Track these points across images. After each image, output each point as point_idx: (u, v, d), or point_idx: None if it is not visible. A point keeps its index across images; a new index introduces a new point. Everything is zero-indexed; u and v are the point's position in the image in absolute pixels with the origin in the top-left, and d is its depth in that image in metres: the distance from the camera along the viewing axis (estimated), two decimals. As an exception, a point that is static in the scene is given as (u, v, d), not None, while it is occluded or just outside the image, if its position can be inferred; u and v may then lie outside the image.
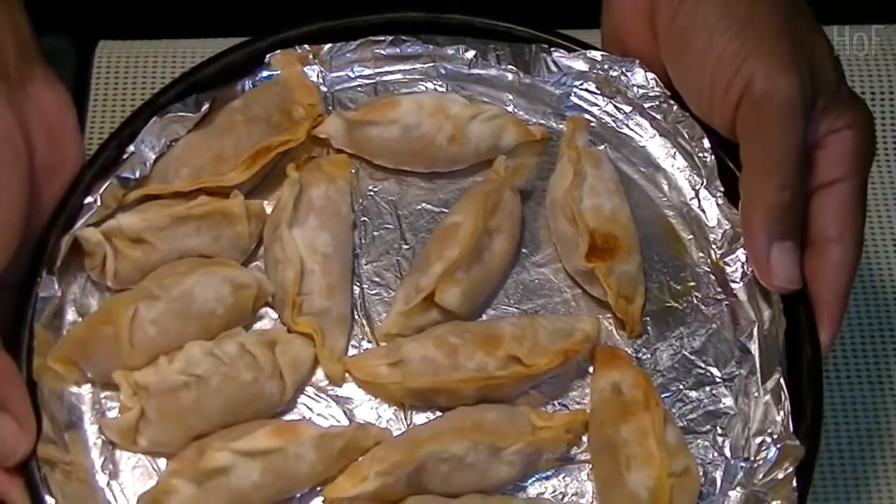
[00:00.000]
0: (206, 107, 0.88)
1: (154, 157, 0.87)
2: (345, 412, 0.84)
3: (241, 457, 0.78)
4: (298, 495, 0.81)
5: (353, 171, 0.90)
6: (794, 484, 0.80)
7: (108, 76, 1.07)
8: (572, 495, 0.82)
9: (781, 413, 0.83)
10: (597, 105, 0.93)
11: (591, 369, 0.86)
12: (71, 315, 0.85)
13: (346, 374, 0.85)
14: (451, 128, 0.88)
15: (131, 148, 0.87)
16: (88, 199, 0.85)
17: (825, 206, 0.84)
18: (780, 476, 0.81)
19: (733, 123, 0.85)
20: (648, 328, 0.87)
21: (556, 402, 0.85)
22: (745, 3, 0.84)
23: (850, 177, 0.85)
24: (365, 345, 0.86)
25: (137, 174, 0.86)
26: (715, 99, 0.86)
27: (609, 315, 0.87)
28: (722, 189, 0.89)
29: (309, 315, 0.84)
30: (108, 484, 0.81)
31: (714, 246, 0.89)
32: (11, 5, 0.86)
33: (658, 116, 0.91)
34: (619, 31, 0.93)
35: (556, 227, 0.89)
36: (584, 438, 0.84)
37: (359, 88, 0.92)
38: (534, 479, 0.83)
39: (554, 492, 0.83)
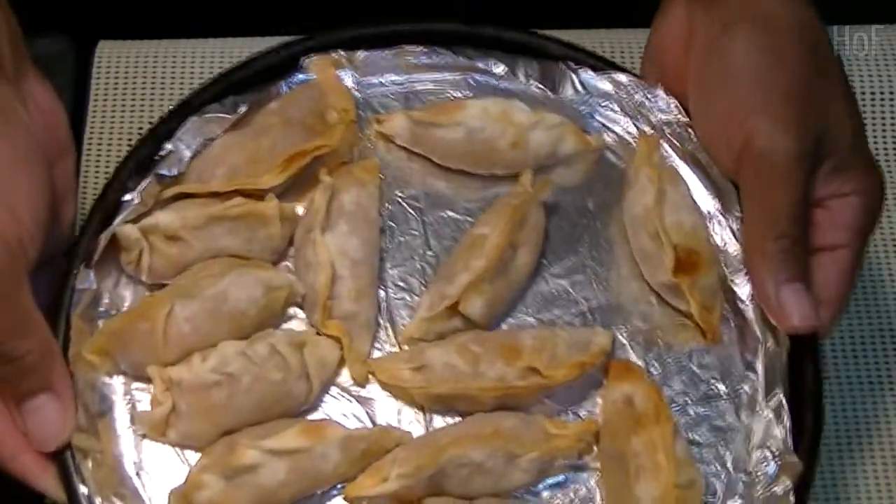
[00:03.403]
0: (243, 108, 0.90)
1: (190, 155, 0.90)
2: (367, 413, 0.87)
3: (269, 455, 0.82)
4: (319, 492, 0.85)
5: (381, 177, 0.93)
6: (792, 499, 0.84)
7: (108, 76, 1.07)
8: (582, 501, 0.86)
9: (782, 429, 0.87)
10: (618, 124, 0.96)
11: (603, 380, 0.89)
12: (104, 306, 0.87)
13: (370, 376, 0.88)
14: (513, 134, 0.92)
15: (169, 146, 0.89)
16: (127, 197, 0.87)
17: (820, 269, 0.87)
18: (779, 491, 0.85)
19: (735, 174, 0.89)
20: (659, 340, 0.91)
21: (569, 411, 0.88)
22: (768, 59, 0.87)
23: (850, 245, 0.87)
24: (388, 348, 0.89)
25: (174, 171, 0.89)
26: (720, 147, 0.89)
27: (621, 328, 0.91)
28: (739, 214, 0.91)
29: (337, 319, 0.87)
30: (136, 473, 0.84)
31: (725, 267, 0.92)
32: (1, 3, 0.87)
33: (677, 142, 0.94)
34: (658, 57, 0.95)
35: (638, 243, 0.92)
36: (595, 447, 0.88)
37: (390, 95, 0.95)
38: (546, 484, 0.86)
39: (564, 497, 0.86)
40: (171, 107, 0.92)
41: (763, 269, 0.86)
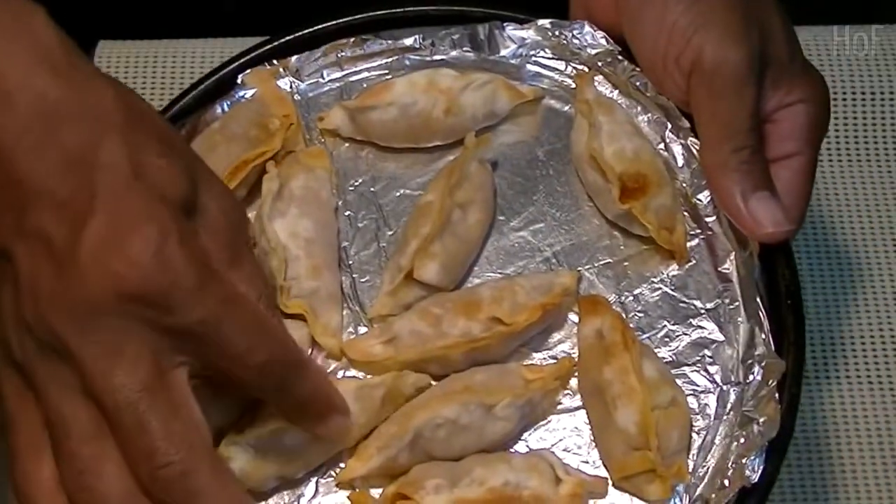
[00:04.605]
0: (183, 132, 0.94)
1: (145, 186, 0.94)
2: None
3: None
4: (314, 480, 0.86)
5: (334, 170, 0.95)
6: (776, 397, 0.82)
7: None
8: (571, 441, 0.86)
9: (763, 334, 0.85)
10: (556, 69, 0.96)
11: (576, 320, 0.89)
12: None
13: (346, 358, 0.89)
14: (444, 101, 0.93)
15: (124, 181, 0.94)
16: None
17: (778, 179, 0.86)
18: (765, 392, 0.83)
19: (685, 94, 0.88)
20: (629, 272, 0.90)
21: (546, 356, 0.88)
22: None
23: (802, 152, 0.87)
24: (361, 330, 0.90)
25: (132, 204, 0.93)
26: (668, 70, 0.88)
27: (588, 267, 0.91)
28: (688, 125, 0.91)
29: (298, 297, 0.89)
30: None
31: (684, 184, 0.92)
32: None
33: (613, 72, 0.94)
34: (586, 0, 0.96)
35: (587, 179, 0.92)
36: (577, 387, 0.87)
37: (331, 92, 0.97)
38: (532, 431, 0.86)
39: (554, 441, 0.86)
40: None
41: (727, 183, 0.86)
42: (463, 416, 0.84)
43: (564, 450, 0.86)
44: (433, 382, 0.87)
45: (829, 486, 0.95)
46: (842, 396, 0.99)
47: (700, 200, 0.91)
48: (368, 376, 0.88)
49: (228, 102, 0.96)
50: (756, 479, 0.81)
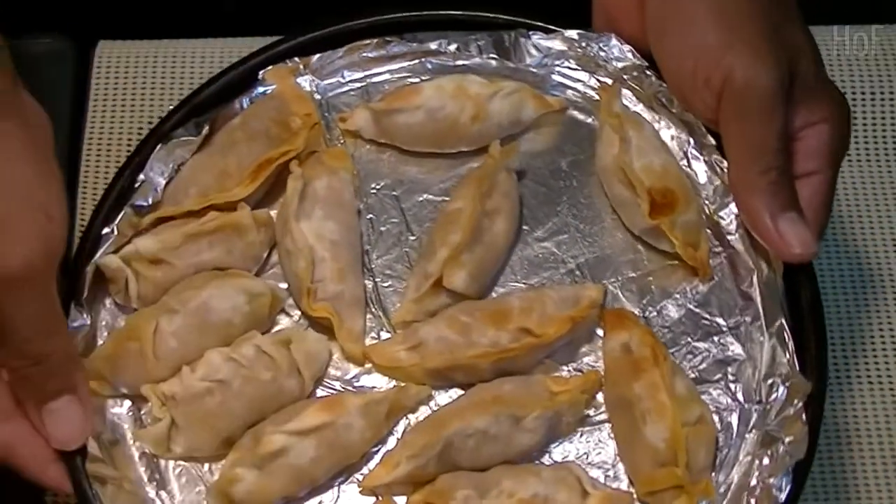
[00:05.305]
0: (206, 129, 0.92)
1: (164, 181, 0.91)
2: (366, 400, 0.88)
3: (295, 437, 0.83)
4: (336, 484, 0.85)
5: (354, 170, 0.94)
6: (804, 418, 0.83)
7: (108, 76, 1.07)
8: (596, 455, 0.86)
9: (787, 353, 0.86)
10: (580, 81, 0.96)
11: (601, 335, 0.89)
12: (102, 339, 0.89)
13: (369, 363, 0.88)
14: (472, 107, 0.93)
15: (141, 176, 0.91)
16: (106, 230, 0.89)
17: (799, 196, 0.87)
18: (791, 412, 0.84)
19: (713, 112, 0.89)
20: (653, 286, 0.91)
21: (571, 368, 0.88)
22: None
23: (823, 170, 0.88)
24: (384, 335, 0.89)
25: (150, 200, 0.91)
26: (696, 88, 0.89)
27: (612, 280, 0.91)
28: (713, 142, 0.91)
29: (324, 300, 0.88)
30: (157, 494, 0.85)
31: (707, 201, 0.92)
32: None
33: (638, 87, 0.94)
34: (609, 11, 0.96)
35: (613, 192, 0.92)
36: (601, 399, 0.87)
37: (351, 93, 0.96)
38: (558, 443, 0.86)
39: (578, 454, 0.86)
40: (170, 107, 0.94)
41: (756, 203, 0.87)
42: (493, 427, 0.84)
43: (588, 462, 0.86)
44: (433, 394, 0.87)
45: (828, 486, 0.95)
46: (842, 396, 0.99)
47: (722, 218, 0.91)
48: (375, 389, 0.88)
49: (248, 98, 0.95)
50: (784, 499, 0.82)
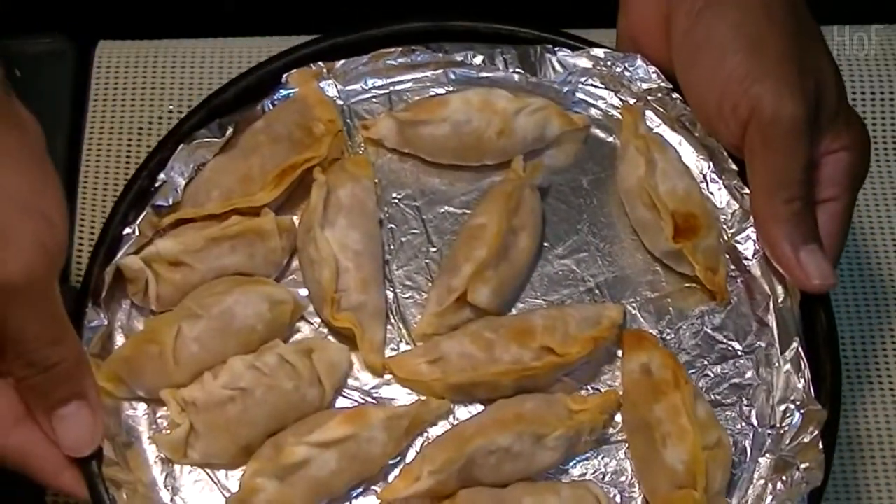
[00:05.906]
0: (230, 130, 0.91)
1: (184, 182, 0.90)
2: (387, 411, 0.88)
3: (317, 448, 0.83)
4: (354, 494, 0.85)
5: (375, 178, 0.93)
6: (820, 446, 0.85)
7: (108, 76, 1.07)
8: (612, 474, 0.87)
9: (802, 380, 0.87)
10: (603, 99, 0.97)
11: (619, 353, 0.90)
12: (119, 340, 0.88)
13: (389, 374, 0.88)
14: (499, 122, 0.93)
15: (162, 176, 0.90)
16: (127, 231, 0.88)
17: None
18: (807, 440, 0.85)
19: (739, 140, 0.89)
20: (670, 308, 0.91)
21: (588, 387, 0.89)
22: (758, 24, 0.88)
23: (841, 197, 0.89)
24: (403, 347, 0.89)
25: (170, 201, 0.90)
26: (722, 115, 0.89)
27: (631, 300, 0.91)
28: (734, 168, 0.92)
29: (347, 310, 0.88)
30: (171, 500, 0.85)
31: (725, 226, 0.93)
32: None
33: (662, 109, 0.95)
34: (634, 32, 0.96)
35: (635, 214, 0.93)
36: (619, 419, 0.88)
37: (374, 100, 0.96)
38: (575, 461, 0.87)
39: (595, 472, 0.87)
40: (171, 107, 0.94)
41: (778, 232, 0.87)
42: (515, 445, 0.84)
43: (605, 481, 0.86)
44: (452, 408, 0.88)
45: (829, 486, 0.92)
46: (843, 397, 0.94)
47: (740, 242, 0.92)
48: (393, 400, 0.88)
49: (270, 101, 0.94)
50: (799, 525, 0.84)
